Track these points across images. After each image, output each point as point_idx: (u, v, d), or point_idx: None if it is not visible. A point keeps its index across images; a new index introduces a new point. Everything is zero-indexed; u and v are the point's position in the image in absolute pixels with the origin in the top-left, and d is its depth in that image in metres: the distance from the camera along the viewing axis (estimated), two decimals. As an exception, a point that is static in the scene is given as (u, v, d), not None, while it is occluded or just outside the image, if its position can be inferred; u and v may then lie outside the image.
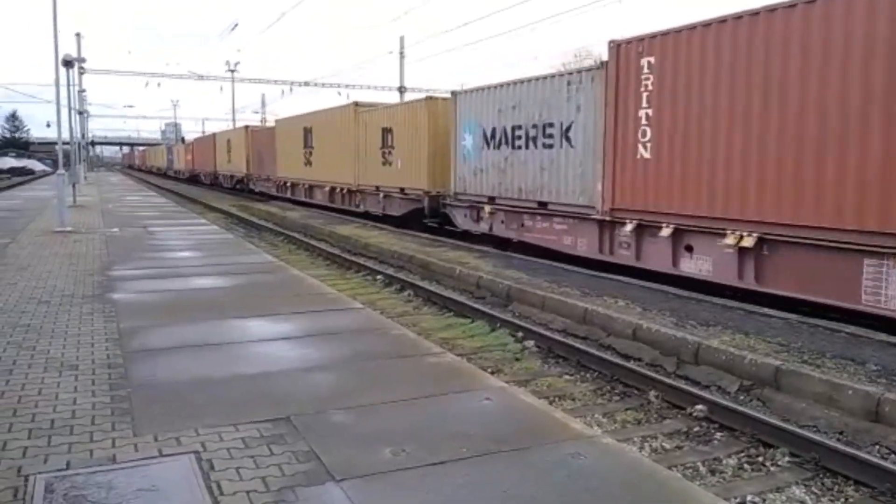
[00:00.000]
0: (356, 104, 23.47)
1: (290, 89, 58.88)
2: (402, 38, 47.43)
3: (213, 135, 47.35)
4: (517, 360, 7.75)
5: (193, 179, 54.45)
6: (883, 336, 7.24)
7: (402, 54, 47.44)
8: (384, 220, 20.42)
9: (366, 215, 21.94)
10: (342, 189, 24.02)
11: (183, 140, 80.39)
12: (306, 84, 58.52)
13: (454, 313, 9.94)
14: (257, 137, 34.32)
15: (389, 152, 19.83)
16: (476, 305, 10.03)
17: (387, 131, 20.03)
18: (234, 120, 64.12)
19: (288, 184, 29.83)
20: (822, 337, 7.34)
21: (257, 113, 74.63)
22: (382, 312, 8.99)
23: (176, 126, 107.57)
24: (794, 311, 8.43)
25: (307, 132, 27.00)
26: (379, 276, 12.81)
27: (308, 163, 27.10)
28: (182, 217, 20.12)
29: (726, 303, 9.04)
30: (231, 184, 39.70)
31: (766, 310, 8.56)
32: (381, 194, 20.57)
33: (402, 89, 47.49)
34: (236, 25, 72.81)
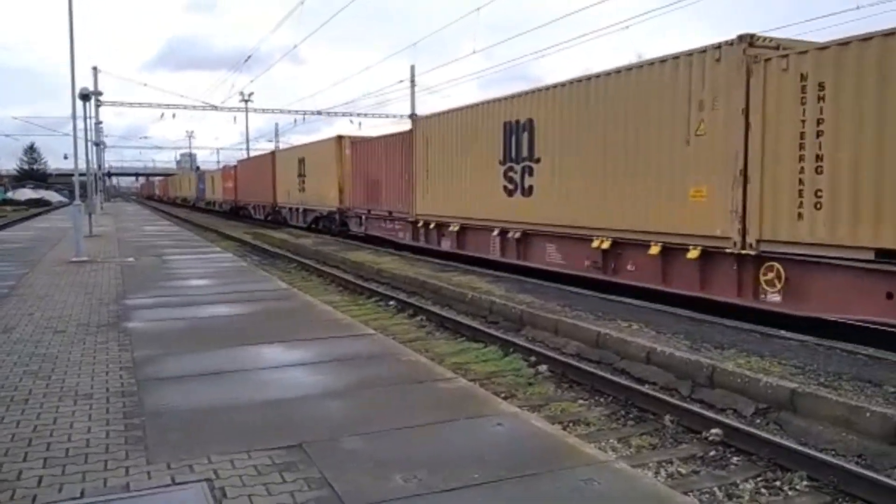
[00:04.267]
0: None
1: (304, 118, 59.63)
2: (412, 67, 47.96)
3: (272, 154, 38.67)
4: (530, 384, 7.72)
5: (236, 213, 45.14)
6: (901, 357, 7.16)
7: (412, 83, 47.97)
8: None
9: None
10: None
11: (198, 168, 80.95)
12: (319, 113, 59.27)
13: (467, 338, 9.93)
14: (362, 152, 23.53)
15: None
16: (489, 330, 10.02)
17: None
18: (248, 149, 64.87)
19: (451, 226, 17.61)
20: (838, 359, 7.26)
21: (271, 141, 75.44)
22: (395, 338, 9.00)
23: (191, 156, 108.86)
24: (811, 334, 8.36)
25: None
26: (392, 302, 12.83)
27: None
28: (196, 245, 20.29)
29: (740, 325, 8.97)
30: (306, 221, 30.20)
31: (782, 332, 8.49)
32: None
33: (413, 117, 47.94)
34: (249, 57, 73.93)
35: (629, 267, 11.68)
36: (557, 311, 10.14)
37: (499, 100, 15.44)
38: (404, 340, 9.45)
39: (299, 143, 36.99)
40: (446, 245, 17.93)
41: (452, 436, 4.35)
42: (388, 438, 4.26)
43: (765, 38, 9.50)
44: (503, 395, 7.03)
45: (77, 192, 19.59)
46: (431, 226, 18.57)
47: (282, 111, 64.64)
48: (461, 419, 4.63)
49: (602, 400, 7.14)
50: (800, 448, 5.48)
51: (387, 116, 57.80)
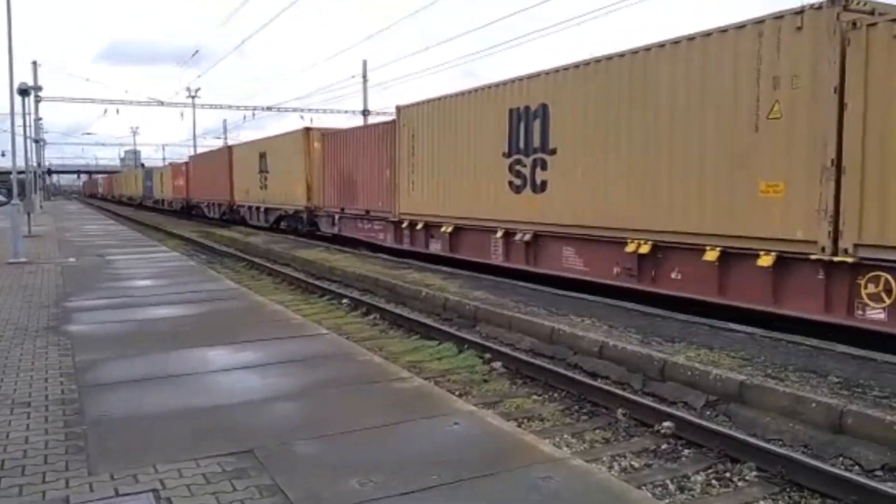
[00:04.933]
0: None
1: (253, 114, 58.63)
2: (364, 62, 47.73)
3: (229, 148, 35.63)
4: (485, 381, 7.71)
5: (188, 213, 42.45)
6: (844, 348, 7.38)
7: (364, 78, 47.66)
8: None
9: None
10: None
11: (143, 166, 78.70)
12: (269, 109, 58.34)
13: (421, 336, 9.87)
14: (334, 146, 21.75)
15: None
16: (443, 327, 9.98)
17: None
18: (195, 146, 63.45)
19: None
20: (784, 350, 7.45)
21: (219, 138, 73.95)
22: (348, 337, 8.89)
23: (136, 153, 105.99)
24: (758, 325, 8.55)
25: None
26: (345, 300, 12.68)
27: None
28: (141, 244, 19.74)
29: (690, 319, 9.13)
30: (268, 221, 28.36)
31: (730, 325, 8.67)
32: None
33: (365, 113, 47.62)
34: (197, 52, 72.21)
35: (674, 275, 10.02)
36: (511, 308, 10.17)
37: (503, 83, 13.57)
38: (358, 339, 9.35)
39: (248, 139, 35.07)
40: (436, 247, 16.12)
41: (409, 437, 4.29)
42: (342, 441, 4.18)
43: (858, 1, 7.98)
44: (458, 392, 7.00)
45: (15, 191, 18.81)
46: (418, 226, 16.64)
47: (230, 107, 63.79)
48: (417, 419, 4.57)
49: (556, 395, 7.18)
50: (749, 439, 5.59)
51: (339, 112, 57.22)
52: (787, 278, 8.57)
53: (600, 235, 11.24)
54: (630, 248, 10.51)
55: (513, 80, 13.29)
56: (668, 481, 5.16)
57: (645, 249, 10.32)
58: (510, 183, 13.23)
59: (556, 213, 12.14)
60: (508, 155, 13.25)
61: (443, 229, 15.49)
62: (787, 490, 4.94)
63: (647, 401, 6.64)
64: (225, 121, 76.38)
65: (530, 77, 12.82)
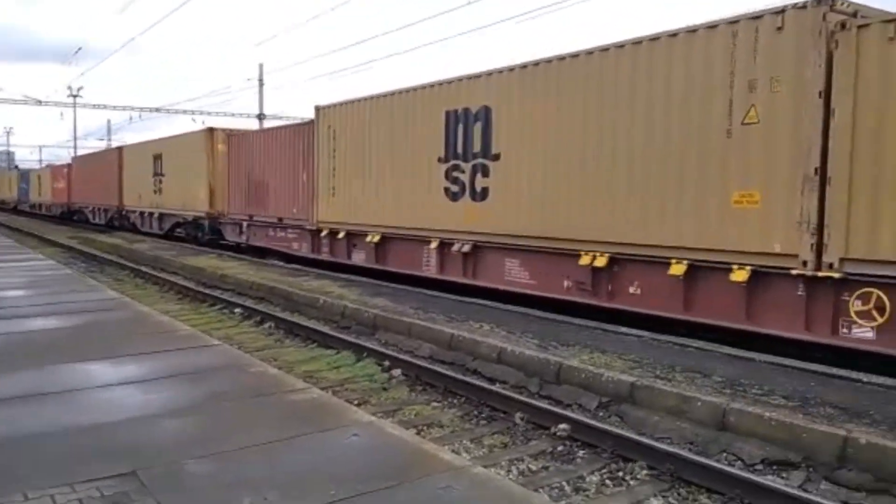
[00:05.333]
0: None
1: (140, 115, 55.89)
2: (261, 66, 46.52)
3: (119, 150, 32.77)
4: (384, 389, 7.62)
5: (69, 218, 39.63)
6: (728, 349, 7.80)
7: (260, 81, 46.44)
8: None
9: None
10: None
11: (17, 168, 73.29)
12: (157, 110, 55.77)
13: (318, 344, 9.66)
14: (242, 148, 20.27)
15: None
16: (341, 335, 9.80)
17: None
18: (75, 147, 59.75)
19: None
20: (672, 352, 7.78)
21: (102, 140, 69.99)
22: (241, 347, 8.57)
23: (9, 154, 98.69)
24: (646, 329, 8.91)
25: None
26: (237, 310, 12.24)
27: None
28: (13, 251, 18.31)
29: (585, 323, 9.40)
30: (163, 228, 26.51)
31: (621, 328, 8.99)
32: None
33: (261, 116, 46.39)
34: (80, 49, 68.12)
35: (632, 290, 9.45)
36: (411, 314, 10.12)
37: (439, 84, 12.75)
38: (251, 350, 9.03)
39: (133, 141, 32.37)
40: (359, 258, 15.16)
41: (306, 451, 4.14)
42: (235, 459, 3.98)
43: (843, 2, 7.50)
44: (357, 402, 6.88)
45: None
46: (340, 235, 15.52)
47: (115, 107, 60.40)
48: (314, 432, 4.43)
49: (455, 401, 7.18)
50: (639, 438, 5.79)
51: (233, 115, 55.45)
52: (762, 294, 8.07)
53: (549, 247, 10.57)
54: (584, 260, 9.86)
55: (450, 81, 12.46)
56: (564, 483, 5.26)
57: (601, 262, 9.69)
58: (447, 190, 12.42)
59: (499, 222, 11.41)
60: (445, 160, 12.43)
61: (368, 239, 14.50)
62: (676, 487, 5.14)
63: (544, 404, 6.76)
64: (109, 121, 72.31)
65: (471, 78, 12.08)
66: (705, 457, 5.44)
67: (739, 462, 5.40)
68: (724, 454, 5.54)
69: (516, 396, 6.97)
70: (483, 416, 6.79)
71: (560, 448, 5.93)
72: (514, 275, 11.37)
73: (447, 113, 12.40)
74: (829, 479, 4.98)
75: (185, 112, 54.44)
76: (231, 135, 21.22)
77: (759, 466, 5.30)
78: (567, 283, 10.35)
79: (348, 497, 3.48)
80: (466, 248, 12.13)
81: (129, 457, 3.96)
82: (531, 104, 10.90)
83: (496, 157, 11.50)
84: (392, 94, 13.99)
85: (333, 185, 15.69)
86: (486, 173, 11.69)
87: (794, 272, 7.66)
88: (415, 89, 13.36)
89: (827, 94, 7.38)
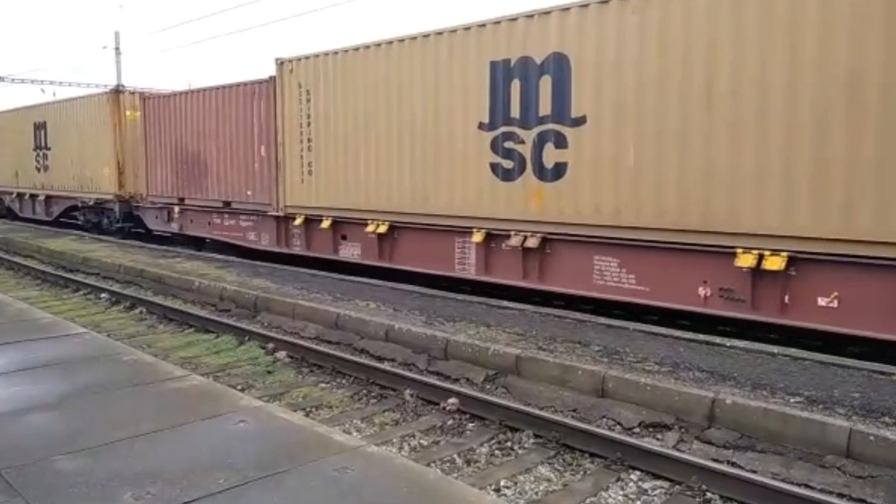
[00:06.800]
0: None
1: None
2: (117, 34, 43.36)
3: None
4: (269, 373, 7.41)
5: None
6: (603, 320, 8.17)
7: (117, 50, 43.39)
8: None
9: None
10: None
11: None
12: (1, 80, 50.80)
13: (196, 329, 9.25)
14: (165, 114, 16.57)
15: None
16: (220, 319, 9.44)
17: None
18: None
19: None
20: (552, 324, 8.06)
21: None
22: (110, 335, 8.08)
23: None
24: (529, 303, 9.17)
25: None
26: (103, 295, 11.49)
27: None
28: None
29: (468, 298, 9.54)
30: (50, 213, 22.18)
31: (503, 302, 9.20)
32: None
33: (119, 89, 43.38)
34: None
35: (824, 301, 7.10)
36: (294, 295, 9.89)
37: (479, 26, 9.80)
38: (122, 337, 8.53)
39: None
40: (352, 253, 12.14)
41: (190, 441, 3.94)
42: (111, 453, 3.72)
43: None
44: (241, 387, 6.68)
45: None
46: (323, 224, 12.33)
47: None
48: (198, 420, 4.22)
49: (344, 381, 7.11)
50: (524, 408, 5.97)
51: (87, 86, 51.38)
52: None
53: (676, 242, 8.05)
54: (743, 260, 7.41)
55: (498, 22, 9.57)
56: (455, 456, 5.34)
57: (774, 264, 7.24)
58: (495, 166, 9.64)
59: (584, 208, 8.78)
60: (491, 127, 9.64)
61: (369, 229, 11.45)
62: (562, 453, 5.35)
63: (433, 380, 6.83)
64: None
65: (531, 16, 9.21)
66: (587, 423, 5.69)
67: (618, 426, 5.69)
68: (605, 419, 5.82)
69: (405, 373, 6.99)
70: (373, 394, 6.76)
71: (450, 422, 6.01)
72: (611, 278, 8.68)
73: (494, 65, 9.56)
74: (700, 438, 5.34)
75: (33, 82, 49.97)
76: (147, 98, 17.36)
77: (637, 430, 5.60)
78: (704, 290, 7.88)
79: (238, 485, 3.35)
80: (533, 243, 9.27)
81: (-11, 458, 3.62)
82: (636, 45, 8.17)
83: (578, 122, 8.74)
84: (404, 40, 10.88)
85: (310, 160, 12.52)
86: (561, 143, 8.91)
87: None
88: (440, 34, 10.34)
89: None
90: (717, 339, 7.20)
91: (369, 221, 11.52)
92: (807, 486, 4.61)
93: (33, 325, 6.92)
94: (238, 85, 14.16)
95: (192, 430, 4.10)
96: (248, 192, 14.07)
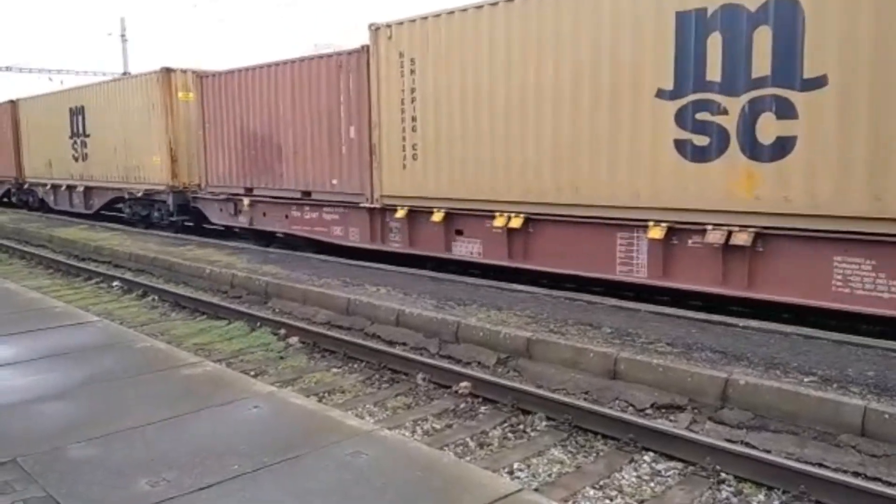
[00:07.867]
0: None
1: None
2: (122, 20, 43.39)
3: (11, 103, 23.82)
4: (282, 358, 7.45)
5: None
6: (613, 301, 8.14)
7: (123, 37, 43.40)
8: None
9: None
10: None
11: None
12: (9, 69, 50.93)
13: (208, 316, 9.30)
14: (228, 95, 14.50)
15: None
16: (232, 305, 9.48)
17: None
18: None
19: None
20: (563, 306, 8.04)
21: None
22: (123, 323, 8.13)
23: None
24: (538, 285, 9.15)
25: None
26: (115, 283, 11.55)
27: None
28: None
29: (477, 282, 9.53)
30: (90, 206, 20.32)
31: (513, 285, 9.18)
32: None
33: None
34: None
35: None
36: (305, 281, 9.91)
37: None
38: (135, 325, 8.58)
39: None
40: (471, 251, 10.25)
41: (204, 427, 3.96)
42: (126, 440, 3.75)
43: None
44: (254, 373, 6.71)
45: None
46: (435, 217, 10.38)
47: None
48: (212, 407, 4.25)
49: (356, 366, 7.13)
50: (536, 391, 5.97)
51: (95, 74, 51.37)
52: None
53: None
54: None
55: None
56: (468, 439, 5.35)
57: None
58: (681, 144, 7.78)
59: (823, 195, 6.89)
60: (676, 94, 7.78)
61: (496, 222, 9.60)
62: (574, 435, 5.35)
63: (444, 363, 6.83)
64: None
65: None
66: (599, 405, 5.68)
67: (631, 408, 5.68)
68: (617, 401, 5.81)
69: (417, 358, 7.00)
70: (385, 379, 6.78)
71: (462, 406, 6.03)
72: (862, 285, 6.81)
73: (682, 17, 7.69)
74: (713, 418, 5.33)
75: (41, 71, 50.04)
76: (205, 77, 15.29)
77: (649, 411, 5.60)
78: None
79: (253, 470, 3.37)
80: (743, 239, 7.38)
81: (7, 444, 3.66)
82: None
83: (814, 84, 6.87)
84: None
85: (415, 142, 10.63)
86: (785, 112, 7.05)
87: None
88: None
89: None
90: (731, 320, 7.17)
91: (497, 214, 9.62)
92: (821, 465, 4.59)
93: (47, 313, 6.97)
94: (320, 57, 12.47)
95: (207, 415, 4.12)
96: (334, 181, 12.16)
